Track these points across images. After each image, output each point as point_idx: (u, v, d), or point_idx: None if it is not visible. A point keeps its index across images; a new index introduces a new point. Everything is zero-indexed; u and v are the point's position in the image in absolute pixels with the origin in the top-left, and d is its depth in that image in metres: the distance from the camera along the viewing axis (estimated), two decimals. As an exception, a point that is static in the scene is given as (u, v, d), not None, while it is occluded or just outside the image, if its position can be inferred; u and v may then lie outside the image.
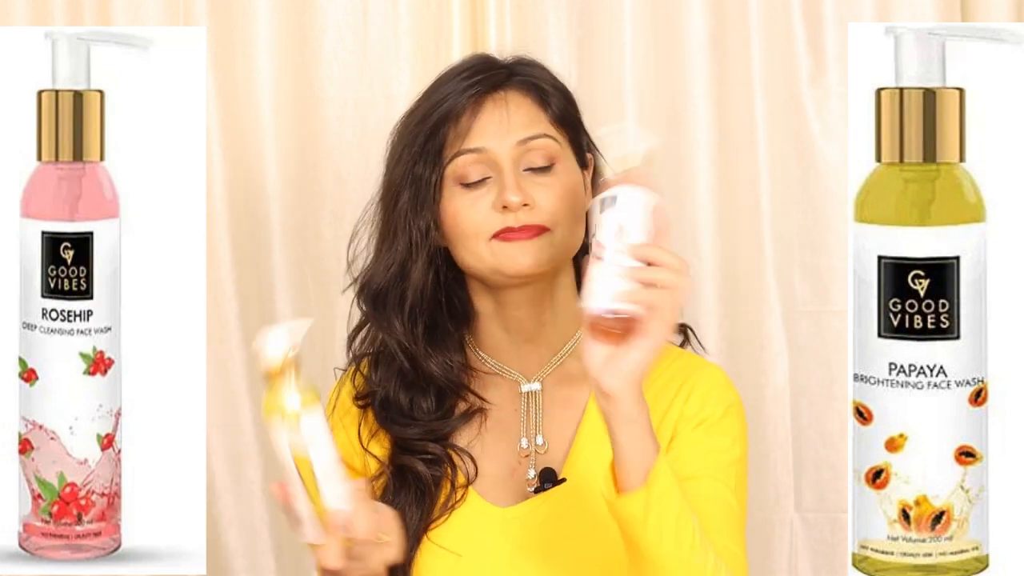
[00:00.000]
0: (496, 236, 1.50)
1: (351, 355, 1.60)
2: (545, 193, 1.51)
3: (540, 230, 1.51)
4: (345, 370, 1.62)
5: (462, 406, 1.56)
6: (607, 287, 1.32)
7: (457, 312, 1.58)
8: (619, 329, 1.32)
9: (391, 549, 1.34)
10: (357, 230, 1.61)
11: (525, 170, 1.52)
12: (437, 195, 1.52)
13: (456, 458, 1.54)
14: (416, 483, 1.53)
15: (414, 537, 1.50)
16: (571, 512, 1.51)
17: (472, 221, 1.51)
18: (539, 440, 1.56)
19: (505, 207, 1.49)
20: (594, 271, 1.33)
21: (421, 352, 1.55)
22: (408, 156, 1.53)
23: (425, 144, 1.52)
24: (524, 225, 1.50)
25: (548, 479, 1.53)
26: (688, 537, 1.34)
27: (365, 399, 1.58)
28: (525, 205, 1.50)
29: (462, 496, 1.52)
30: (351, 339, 1.61)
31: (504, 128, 1.51)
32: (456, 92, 1.52)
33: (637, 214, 1.34)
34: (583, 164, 1.58)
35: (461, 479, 1.53)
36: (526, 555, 1.49)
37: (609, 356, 1.32)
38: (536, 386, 1.57)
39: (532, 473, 1.54)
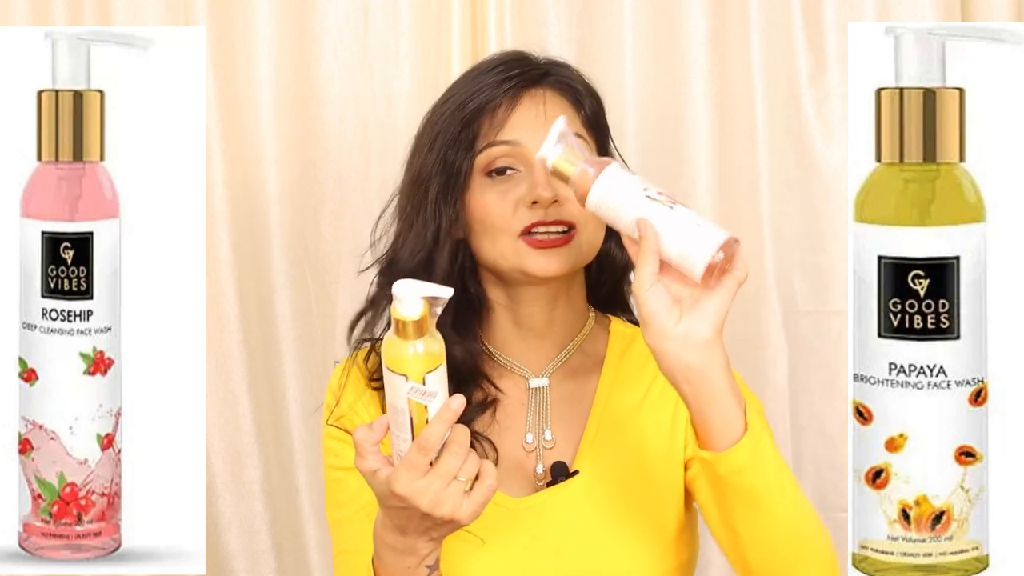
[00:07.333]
0: (525, 236, 1.51)
1: (353, 341, 1.60)
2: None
3: (568, 228, 1.51)
4: (361, 346, 1.60)
5: (479, 395, 1.56)
6: (702, 229, 1.37)
7: (472, 302, 1.58)
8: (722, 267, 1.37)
9: (469, 504, 1.34)
10: (383, 212, 1.61)
11: None
12: (466, 185, 1.53)
13: (476, 445, 1.53)
14: None
15: None
16: (584, 504, 1.51)
17: (502, 216, 1.51)
18: (547, 435, 1.56)
19: (535, 202, 1.50)
20: (669, 224, 1.35)
21: (446, 336, 1.55)
22: (441, 143, 1.53)
23: (460, 133, 1.52)
24: (555, 220, 1.50)
25: (560, 472, 1.53)
26: (788, 474, 1.41)
27: (379, 380, 1.58)
28: (555, 201, 1.50)
29: None
30: (352, 326, 1.60)
31: (539, 124, 1.52)
32: (493, 84, 1.53)
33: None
34: None
35: None
36: (540, 545, 1.50)
37: (688, 316, 1.37)
38: (544, 381, 1.57)
39: (541, 468, 1.54)
